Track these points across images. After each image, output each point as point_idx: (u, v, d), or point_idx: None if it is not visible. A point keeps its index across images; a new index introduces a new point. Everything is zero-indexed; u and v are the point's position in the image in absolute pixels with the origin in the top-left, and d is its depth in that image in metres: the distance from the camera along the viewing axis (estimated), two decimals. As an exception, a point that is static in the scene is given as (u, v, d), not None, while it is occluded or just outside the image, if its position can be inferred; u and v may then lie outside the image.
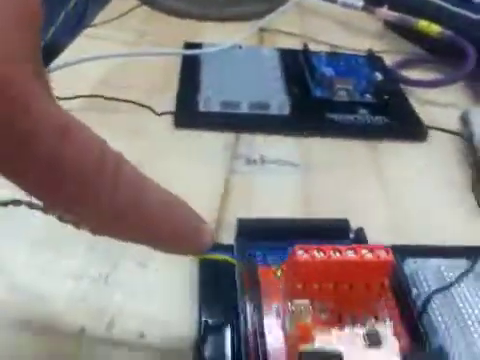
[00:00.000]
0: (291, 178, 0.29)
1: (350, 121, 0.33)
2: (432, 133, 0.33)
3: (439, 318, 0.19)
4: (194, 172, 0.28)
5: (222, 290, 0.20)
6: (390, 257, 0.17)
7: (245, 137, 0.32)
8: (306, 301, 0.17)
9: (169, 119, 0.32)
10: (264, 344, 0.17)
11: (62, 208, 0.14)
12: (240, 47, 0.39)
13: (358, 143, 0.32)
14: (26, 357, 0.19)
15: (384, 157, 0.32)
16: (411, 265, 0.22)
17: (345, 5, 0.48)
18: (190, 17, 0.46)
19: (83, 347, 0.19)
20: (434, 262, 0.22)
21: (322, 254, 0.17)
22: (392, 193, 0.29)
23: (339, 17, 0.50)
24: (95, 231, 0.15)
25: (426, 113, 0.35)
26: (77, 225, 0.16)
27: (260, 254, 0.21)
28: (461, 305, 0.20)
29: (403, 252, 0.22)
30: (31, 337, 0.19)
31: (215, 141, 0.31)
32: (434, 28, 0.43)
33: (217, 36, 0.41)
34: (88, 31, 0.43)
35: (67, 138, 0.12)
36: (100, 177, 0.13)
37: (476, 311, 0.20)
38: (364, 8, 0.48)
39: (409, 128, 0.34)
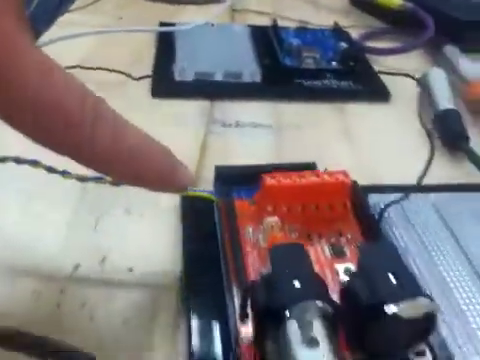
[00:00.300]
0: (264, 138, 0.32)
1: (318, 86, 0.36)
2: (394, 94, 0.36)
3: (393, 228, 0.22)
4: (172, 135, 0.30)
5: (202, 225, 0.22)
6: (348, 179, 0.20)
7: (220, 104, 0.34)
8: (276, 218, 0.19)
9: (147, 89, 0.34)
10: (241, 258, 0.19)
11: (48, 146, 0.15)
12: (212, 25, 0.41)
13: (326, 106, 0.35)
14: (24, 297, 0.21)
15: (350, 117, 0.34)
16: (373, 198, 0.24)
17: (312, -16, 0.51)
18: (164, 1, 0.48)
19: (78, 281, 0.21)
20: (392, 196, 0.24)
21: (288, 179, 0.19)
22: (357, 146, 0.31)
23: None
24: (84, 165, 0.16)
25: (390, 78, 0.37)
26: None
27: (236, 193, 0.23)
28: (410, 216, 0.22)
29: (365, 189, 0.24)
30: (27, 278, 0.21)
31: (191, 108, 0.33)
32: (395, 1, 0.45)
33: (190, 18, 0.43)
34: (64, 17, 0.44)
35: (50, 78, 0.14)
36: (82, 116, 0.14)
37: (423, 217, 0.22)
38: (331, -14, 0.50)
39: (373, 91, 0.36)
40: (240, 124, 0.33)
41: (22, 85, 0.13)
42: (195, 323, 0.18)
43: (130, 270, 0.22)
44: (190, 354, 0.17)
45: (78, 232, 0.24)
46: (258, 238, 0.20)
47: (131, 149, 0.16)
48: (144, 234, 0.24)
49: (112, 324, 0.19)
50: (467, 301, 0.19)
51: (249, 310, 0.15)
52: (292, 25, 0.44)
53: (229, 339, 0.17)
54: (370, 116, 0.34)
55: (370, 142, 0.31)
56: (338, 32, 0.42)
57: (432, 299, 0.14)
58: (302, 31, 0.42)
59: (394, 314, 0.14)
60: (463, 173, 0.29)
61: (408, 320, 0.14)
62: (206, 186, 0.26)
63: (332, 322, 0.14)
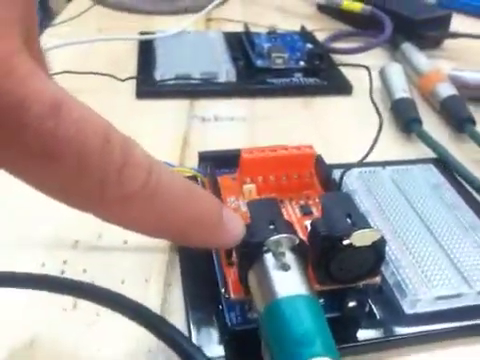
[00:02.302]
0: (240, 130, 0.35)
1: (287, 83, 0.39)
2: (356, 88, 0.40)
3: (355, 195, 0.25)
4: (157, 131, 0.34)
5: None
6: (313, 151, 0.23)
7: (199, 102, 0.38)
8: (253, 185, 0.23)
9: (132, 92, 0.37)
10: None
11: (57, 194, 0.13)
12: (189, 32, 0.45)
13: (294, 100, 0.38)
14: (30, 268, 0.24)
15: (316, 109, 0.38)
16: (336, 174, 0.27)
17: (281, -7, 0.55)
18: (143, 12, 0.51)
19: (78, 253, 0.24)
20: (356, 171, 0.28)
21: (262, 153, 0.23)
22: (322, 133, 0.34)
23: (276, 3, 0.56)
24: (99, 217, 0.14)
25: (353, 74, 0.41)
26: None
27: (217, 172, 0.26)
28: (370, 185, 0.26)
29: (330, 167, 0.28)
30: (30, 250, 0.24)
31: (173, 106, 0.37)
32: (356, 5, 0.50)
33: (168, 27, 0.47)
34: (48, 31, 0.47)
35: (61, 114, 0.11)
36: (105, 161, 0.12)
37: (380, 185, 0.26)
38: (298, -5, 0.54)
39: (337, 85, 0.40)
40: (218, 118, 0.36)
41: (23, 119, 0.11)
42: (186, 275, 0.21)
43: (125, 242, 0.25)
44: (185, 297, 0.20)
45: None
46: (239, 205, 0.23)
47: (166, 198, 0.14)
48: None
49: (111, 285, 0.22)
50: (416, 244, 0.23)
51: (234, 255, 0.19)
52: (263, 30, 0.47)
53: (217, 282, 0.20)
54: (334, 107, 0.38)
55: (334, 129, 0.35)
56: (305, 35, 0.46)
57: (379, 231, 0.17)
58: (272, 35, 0.45)
59: (348, 244, 0.17)
60: (415, 150, 0.33)
61: (360, 248, 0.17)
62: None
63: (301, 254, 0.17)
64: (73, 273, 0.23)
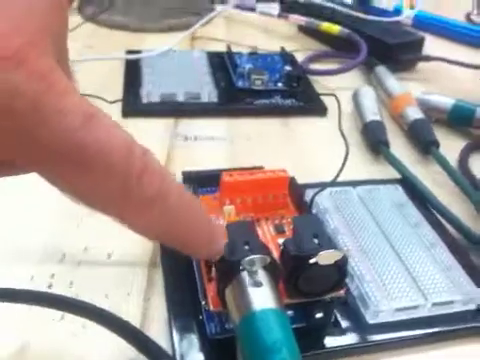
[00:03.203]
0: (220, 149, 0.37)
1: (266, 104, 0.42)
2: (331, 109, 0.42)
3: (326, 214, 0.28)
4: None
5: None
6: (286, 174, 0.25)
7: (182, 121, 0.40)
8: (232, 206, 0.25)
9: (118, 111, 0.39)
10: None
11: (86, 197, 0.14)
12: (174, 51, 0.47)
13: (273, 120, 0.41)
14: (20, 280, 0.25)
15: (293, 129, 0.40)
16: (309, 193, 0.30)
17: (263, 13, 0.57)
18: (130, 30, 0.53)
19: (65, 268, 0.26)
20: (327, 191, 0.30)
21: (241, 176, 0.25)
22: (297, 153, 0.37)
23: (258, 24, 0.59)
24: (120, 220, 0.15)
25: (328, 95, 0.44)
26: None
27: (200, 191, 0.28)
28: (339, 204, 0.28)
29: (303, 186, 0.30)
30: (19, 264, 0.26)
31: (157, 125, 0.39)
32: (334, 28, 0.52)
33: (154, 45, 0.49)
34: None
35: (92, 124, 0.13)
36: (128, 168, 0.14)
37: (349, 204, 0.29)
38: (279, 15, 0.57)
39: (312, 107, 0.42)
40: (199, 138, 0.38)
41: (60, 129, 0.12)
42: (169, 288, 0.23)
43: (109, 257, 0.27)
44: (168, 307, 0.22)
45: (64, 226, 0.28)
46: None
47: (174, 205, 0.16)
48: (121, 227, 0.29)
49: (96, 298, 0.24)
50: (379, 260, 0.25)
51: (213, 271, 0.21)
52: (245, 50, 0.50)
53: (197, 294, 0.22)
54: (309, 128, 0.40)
55: (308, 149, 0.37)
56: (284, 56, 0.48)
57: (342, 251, 0.20)
58: (253, 56, 0.48)
59: (314, 262, 0.19)
60: (382, 171, 0.35)
61: (324, 266, 0.19)
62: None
63: (272, 272, 0.19)
64: (60, 286, 0.25)
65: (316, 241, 0.20)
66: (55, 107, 0.12)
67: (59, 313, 0.23)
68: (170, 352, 0.21)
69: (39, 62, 0.12)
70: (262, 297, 0.18)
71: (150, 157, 0.15)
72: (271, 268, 0.19)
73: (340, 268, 0.20)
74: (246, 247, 0.19)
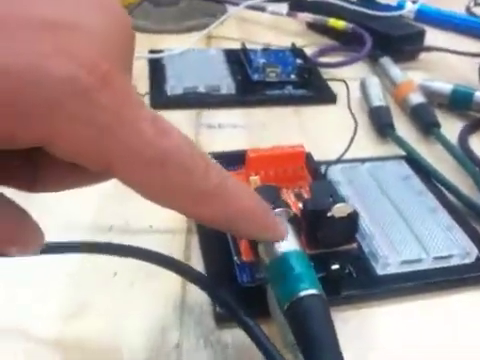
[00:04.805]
0: (240, 135, 0.41)
1: (279, 94, 0.45)
2: (340, 98, 0.46)
3: (339, 186, 0.31)
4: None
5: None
6: (304, 149, 0.29)
7: (205, 111, 0.44)
8: (257, 177, 0.28)
9: (146, 104, 0.43)
10: None
11: (159, 193, 0.16)
12: (194, 50, 0.51)
13: (286, 109, 0.44)
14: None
15: (306, 116, 0.44)
16: (323, 169, 0.33)
17: (273, 13, 0.61)
18: (151, 32, 0.58)
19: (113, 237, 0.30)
20: (338, 166, 0.34)
21: (264, 152, 0.29)
22: (311, 136, 0.40)
23: (269, 23, 0.63)
24: (190, 214, 0.18)
25: (337, 85, 0.47)
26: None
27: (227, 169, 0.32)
28: (351, 178, 0.32)
29: (318, 163, 0.34)
30: (73, 234, 0.30)
31: (183, 115, 0.43)
32: (340, 23, 0.56)
33: (173, 45, 0.53)
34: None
35: (166, 133, 0.15)
36: (195, 164, 0.16)
37: (360, 178, 0.32)
38: (288, 14, 0.60)
39: (323, 96, 0.46)
40: (221, 126, 0.42)
41: (137, 135, 0.14)
42: (205, 249, 0.27)
43: (150, 226, 0.31)
44: (205, 264, 0.26)
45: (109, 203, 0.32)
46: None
47: (233, 193, 0.18)
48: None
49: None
50: (387, 222, 0.29)
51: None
52: (258, 47, 0.53)
53: (230, 252, 0.26)
54: (320, 115, 0.44)
55: (320, 133, 0.41)
56: (295, 51, 0.52)
57: (353, 206, 0.23)
58: (266, 52, 0.51)
59: (330, 215, 0.23)
60: (388, 151, 0.39)
61: (339, 219, 0.23)
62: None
63: (295, 224, 0.23)
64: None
65: (330, 199, 0.24)
66: (133, 117, 0.14)
67: (111, 271, 0.27)
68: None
69: (120, 81, 0.14)
70: (288, 242, 0.22)
71: (205, 152, 0.17)
72: (294, 221, 0.23)
73: (352, 221, 0.24)
74: (273, 204, 0.23)
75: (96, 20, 0.14)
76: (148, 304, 0.26)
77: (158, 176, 0.15)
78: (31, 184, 0.17)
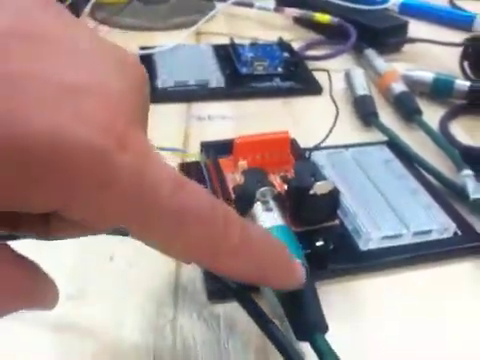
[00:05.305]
0: (230, 126, 0.42)
1: (267, 87, 0.47)
2: (326, 89, 0.47)
3: (323, 170, 0.33)
4: (162, 129, 0.41)
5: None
6: (288, 135, 0.31)
7: (195, 104, 0.45)
8: (244, 161, 0.30)
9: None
10: (227, 190, 0.29)
11: (183, 251, 0.16)
12: (184, 46, 0.52)
13: (274, 101, 0.46)
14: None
15: (293, 107, 0.45)
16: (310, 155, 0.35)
17: (260, 8, 0.62)
18: (141, 29, 0.59)
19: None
20: (323, 152, 0.36)
21: (250, 138, 0.30)
22: (298, 126, 0.42)
23: (256, 18, 0.64)
24: (213, 269, 0.17)
25: (323, 77, 0.49)
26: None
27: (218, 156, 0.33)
28: (335, 163, 0.33)
29: (304, 150, 0.35)
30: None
31: (174, 108, 0.44)
32: (326, 17, 0.57)
33: (163, 42, 0.54)
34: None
35: (184, 189, 0.15)
36: (214, 223, 0.15)
37: (343, 163, 0.34)
38: (275, 9, 0.62)
39: (309, 87, 0.48)
40: (211, 117, 0.43)
41: (157, 196, 0.14)
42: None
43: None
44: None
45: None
46: (235, 177, 0.30)
47: (259, 245, 0.17)
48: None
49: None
50: (369, 201, 0.31)
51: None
52: (246, 42, 0.55)
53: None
54: (307, 105, 0.46)
55: (306, 122, 0.43)
56: (282, 45, 0.54)
57: (333, 183, 0.25)
58: (254, 46, 0.53)
59: (313, 193, 0.25)
60: (371, 138, 0.40)
61: (321, 196, 0.25)
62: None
63: (280, 202, 0.25)
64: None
65: (312, 178, 0.25)
66: (153, 178, 0.14)
67: (108, 255, 0.29)
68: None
69: (137, 141, 0.14)
70: (273, 218, 0.23)
71: (228, 208, 0.16)
72: (279, 199, 0.24)
73: (334, 198, 0.25)
74: (259, 184, 0.25)
75: (112, 79, 0.14)
76: (144, 284, 0.27)
77: (179, 234, 0.15)
78: (45, 233, 0.16)
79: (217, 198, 0.16)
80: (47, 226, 0.16)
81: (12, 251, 0.14)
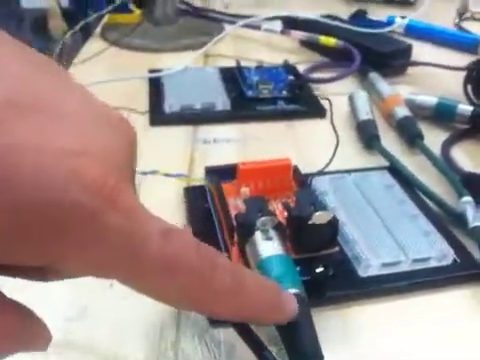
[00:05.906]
0: (235, 149, 0.43)
1: (272, 110, 0.48)
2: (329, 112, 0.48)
3: (325, 196, 0.34)
4: (168, 152, 0.42)
5: (198, 202, 0.34)
6: (289, 161, 0.31)
7: (201, 127, 0.46)
8: (247, 188, 0.31)
9: (146, 121, 0.46)
10: (229, 216, 0.30)
11: (174, 298, 0.17)
12: (190, 68, 0.53)
13: (279, 124, 0.47)
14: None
15: (297, 130, 0.46)
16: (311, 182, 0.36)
17: (267, 30, 0.64)
18: (150, 51, 0.60)
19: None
20: (326, 177, 0.36)
21: (253, 165, 0.31)
22: (302, 149, 0.43)
23: (263, 40, 0.65)
24: (200, 312, 0.19)
25: (323, 99, 0.50)
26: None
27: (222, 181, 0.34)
28: (337, 188, 0.34)
29: (307, 175, 0.36)
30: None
31: (180, 131, 0.45)
32: (331, 41, 0.58)
33: (171, 63, 0.55)
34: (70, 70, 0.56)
35: (170, 238, 0.15)
36: (200, 266, 0.16)
37: (345, 188, 0.35)
38: (282, 32, 0.63)
39: (313, 110, 0.48)
40: (217, 141, 0.44)
41: (144, 248, 0.15)
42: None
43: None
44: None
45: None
46: (237, 203, 0.31)
47: (247, 289, 0.18)
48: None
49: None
50: (369, 228, 0.31)
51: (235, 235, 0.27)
52: (252, 64, 0.56)
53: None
54: (311, 128, 0.46)
55: (310, 146, 0.43)
56: (287, 68, 0.55)
57: (332, 213, 0.26)
58: (260, 69, 0.54)
59: (312, 223, 0.25)
60: (373, 162, 0.41)
61: (320, 225, 0.25)
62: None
63: (280, 231, 0.25)
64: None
65: (312, 207, 0.26)
66: (141, 233, 0.15)
67: (109, 281, 0.29)
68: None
69: (126, 197, 0.14)
70: (272, 247, 0.24)
71: (216, 253, 0.17)
72: (279, 228, 0.25)
73: (333, 227, 0.26)
74: (259, 214, 0.25)
75: (103, 139, 0.15)
76: (147, 307, 0.28)
77: (167, 282, 0.16)
78: (41, 275, 0.16)
79: (203, 242, 0.17)
80: (43, 270, 0.16)
81: (4, 297, 0.15)
